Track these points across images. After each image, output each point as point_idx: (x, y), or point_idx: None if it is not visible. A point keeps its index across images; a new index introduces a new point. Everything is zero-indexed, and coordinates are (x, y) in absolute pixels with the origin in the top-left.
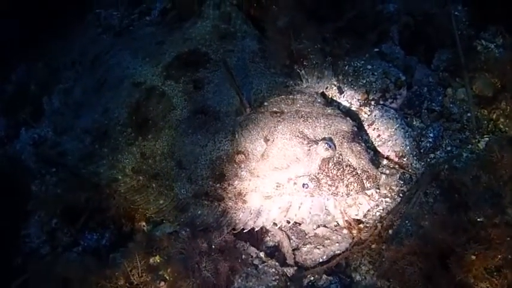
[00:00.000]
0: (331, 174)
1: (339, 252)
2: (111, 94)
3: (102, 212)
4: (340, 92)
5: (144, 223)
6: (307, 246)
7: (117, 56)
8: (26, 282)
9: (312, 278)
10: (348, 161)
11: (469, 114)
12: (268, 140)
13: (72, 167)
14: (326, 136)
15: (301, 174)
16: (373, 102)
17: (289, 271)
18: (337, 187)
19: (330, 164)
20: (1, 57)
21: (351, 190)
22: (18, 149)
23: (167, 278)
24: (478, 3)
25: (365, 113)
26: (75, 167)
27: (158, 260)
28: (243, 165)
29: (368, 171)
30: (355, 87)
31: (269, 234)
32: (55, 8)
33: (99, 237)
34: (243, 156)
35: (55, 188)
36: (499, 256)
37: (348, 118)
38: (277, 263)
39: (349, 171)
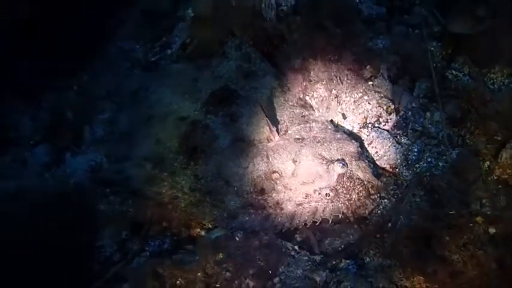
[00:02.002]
0: (345, 186)
1: (352, 241)
2: (160, 126)
3: (162, 223)
4: (344, 118)
5: (199, 229)
6: (329, 239)
7: (158, 92)
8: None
9: (334, 262)
10: (357, 175)
11: (442, 133)
12: (296, 161)
13: (137, 189)
14: (339, 157)
15: (323, 186)
16: (370, 126)
17: (317, 258)
18: (350, 195)
19: (344, 178)
20: (30, 85)
21: (360, 196)
22: (68, 173)
23: (230, 269)
24: (448, 39)
25: (364, 134)
26: (140, 190)
27: (222, 256)
28: (278, 182)
29: (372, 182)
30: (356, 114)
31: (298, 232)
32: (76, 38)
33: (160, 243)
34: (277, 174)
35: (121, 206)
36: (465, 236)
37: (353, 140)
38: (308, 253)
39: (359, 183)
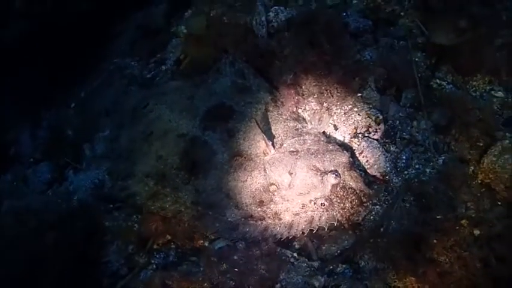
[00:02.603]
0: (339, 195)
1: (348, 247)
2: (160, 144)
3: (166, 236)
4: (336, 129)
5: (202, 241)
6: (325, 245)
7: (157, 110)
8: None
9: (332, 267)
10: (350, 184)
11: (429, 140)
12: (292, 173)
13: (141, 205)
14: (332, 168)
15: (319, 196)
16: (360, 136)
17: (315, 264)
18: (344, 203)
19: (338, 188)
20: (27, 103)
21: (354, 204)
22: (71, 190)
23: (234, 278)
24: (432, 49)
25: (355, 144)
26: (144, 205)
27: (226, 266)
28: (275, 193)
29: (364, 191)
30: (347, 125)
31: (296, 240)
32: (72, 56)
33: (165, 256)
34: (274, 186)
35: (126, 221)
36: (451, 239)
37: (345, 151)
38: (306, 259)
39: (351, 192)
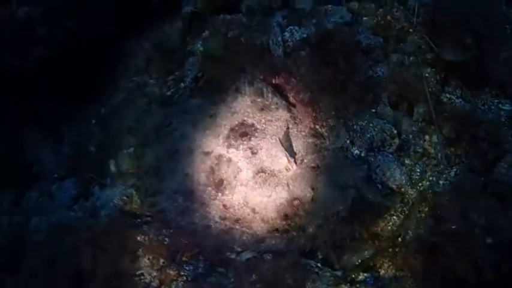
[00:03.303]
0: (359, 207)
1: (368, 256)
2: (187, 161)
3: (195, 249)
4: (353, 144)
5: (229, 253)
6: (347, 255)
7: (181, 129)
8: None
9: (353, 276)
10: (368, 197)
11: (441, 153)
12: (314, 188)
13: (171, 220)
14: (351, 182)
15: (340, 209)
16: (376, 150)
17: (338, 273)
18: (364, 215)
19: (358, 201)
20: (49, 121)
21: (372, 215)
22: (98, 205)
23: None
24: (441, 65)
25: (371, 158)
26: (174, 221)
27: (255, 277)
28: (299, 207)
29: (381, 202)
30: (363, 140)
31: (319, 251)
32: (90, 75)
33: (194, 268)
34: (298, 201)
35: (156, 236)
36: (465, 247)
37: (363, 165)
38: (329, 269)
39: (370, 204)
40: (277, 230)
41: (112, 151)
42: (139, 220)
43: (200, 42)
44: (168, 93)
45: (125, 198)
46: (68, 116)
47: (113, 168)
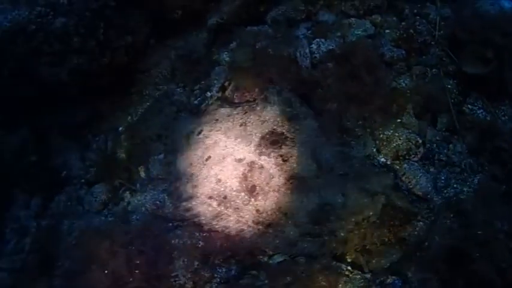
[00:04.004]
0: (388, 213)
1: (396, 260)
2: (219, 168)
3: (227, 252)
4: (379, 152)
5: (261, 256)
6: (376, 259)
7: (212, 136)
8: None
9: (382, 279)
10: (397, 203)
11: (464, 161)
12: (344, 194)
13: (205, 224)
14: (380, 189)
15: (371, 215)
16: (401, 158)
17: (368, 276)
18: (392, 221)
19: (388, 207)
20: (76, 128)
21: (401, 221)
22: (130, 210)
23: None
24: (462, 77)
25: (397, 166)
26: (208, 225)
27: (289, 279)
28: (330, 212)
29: (409, 208)
30: (388, 149)
31: (348, 254)
32: (114, 83)
33: (227, 270)
34: (329, 206)
35: (190, 239)
36: (490, 252)
37: (390, 173)
38: (360, 272)
39: (398, 210)
40: (309, 234)
41: (141, 157)
42: (170, 224)
43: (226, 52)
44: (195, 102)
45: (158, 202)
46: (96, 124)
47: (142, 174)
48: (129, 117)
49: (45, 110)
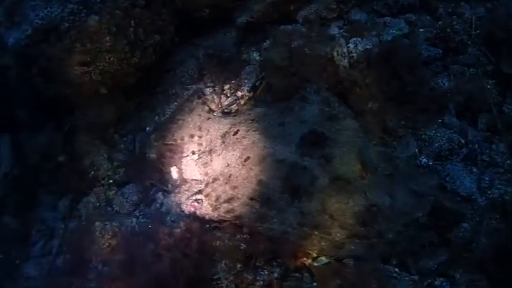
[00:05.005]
0: (436, 214)
1: (443, 261)
2: (259, 168)
3: (269, 254)
4: (421, 153)
5: (305, 259)
6: (423, 260)
7: (250, 136)
8: None
9: (430, 281)
10: (444, 204)
11: (508, 161)
12: (391, 195)
13: (248, 226)
14: (427, 189)
15: (419, 216)
16: (444, 159)
17: (415, 278)
18: (440, 221)
19: (436, 208)
20: (103, 129)
21: (448, 222)
22: (164, 211)
23: None
24: (500, 77)
25: (440, 166)
26: (251, 227)
27: (339, 282)
28: (377, 214)
29: (455, 209)
30: (431, 149)
31: (394, 256)
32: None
33: (269, 273)
34: (376, 208)
35: (231, 241)
36: None
37: (434, 174)
38: (408, 274)
39: (445, 211)
40: (356, 236)
41: (173, 158)
42: (209, 225)
43: (256, 51)
44: (226, 102)
45: (195, 204)
46: (122, 124)
47: (175, 174)
48: (157, 117)
49: (73, 109)
